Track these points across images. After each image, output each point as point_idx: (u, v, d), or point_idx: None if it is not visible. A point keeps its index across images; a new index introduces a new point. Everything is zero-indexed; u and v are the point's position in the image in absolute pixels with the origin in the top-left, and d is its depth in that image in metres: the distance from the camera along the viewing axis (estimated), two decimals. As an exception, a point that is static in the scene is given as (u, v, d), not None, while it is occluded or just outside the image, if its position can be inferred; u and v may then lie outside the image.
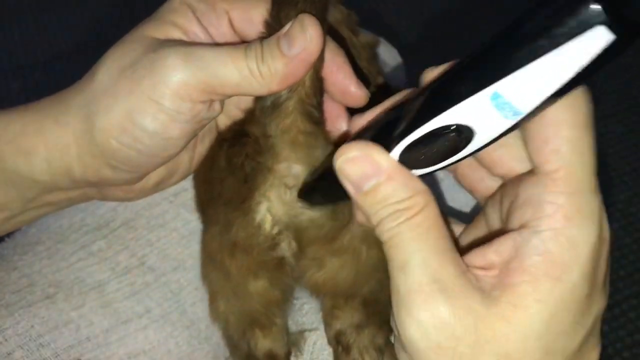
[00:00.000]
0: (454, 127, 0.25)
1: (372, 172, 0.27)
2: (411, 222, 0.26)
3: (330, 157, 0.29)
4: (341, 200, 0.30)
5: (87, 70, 0.36)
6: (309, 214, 0.35)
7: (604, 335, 0.28)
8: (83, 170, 0.35)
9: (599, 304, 0.27)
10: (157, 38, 0.34)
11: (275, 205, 0.35)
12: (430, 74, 0.28)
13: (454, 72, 0.25)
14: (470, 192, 0.33)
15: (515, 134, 0.28)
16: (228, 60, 0.32)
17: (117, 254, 0.44)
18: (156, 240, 0.45)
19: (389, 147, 0.27)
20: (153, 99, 0.32)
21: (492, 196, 0.31)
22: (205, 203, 0.39)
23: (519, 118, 0.24)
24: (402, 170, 0.27)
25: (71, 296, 0.41)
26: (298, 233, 0.35)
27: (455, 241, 0.30)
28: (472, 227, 0.32)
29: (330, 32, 0.35)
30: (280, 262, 0.36)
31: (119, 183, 0.37)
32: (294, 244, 0.36)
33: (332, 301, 0.38)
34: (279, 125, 0.33)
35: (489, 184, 0.31)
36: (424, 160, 0.27)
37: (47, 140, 0.35)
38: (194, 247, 0.45)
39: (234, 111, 0.39)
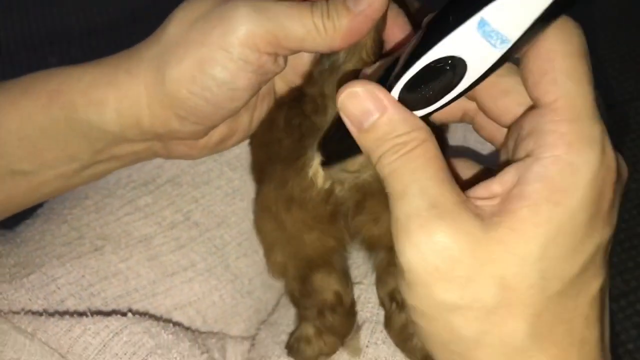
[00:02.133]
0: (447, 61, 0.25)
1: (372, 108, 0.27)
2: (410, 154, 0.26)
3: None
4: (353, 154, 0.31)
5: (122, 45, 0.37)
6: (363, 173, 0.35)
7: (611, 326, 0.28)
8: (152, 120, 0.36)
9: (602, 232, 0.26)
10: None
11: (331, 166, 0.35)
12: (428, 17, 0.28)
13: (444, 7, 0.26)
14: (490, 142, 0.33)
15: (515, 80, 0.29)
16: (295, 14, 0.32)
17: (163, 209, 0.45)
18: (201, 197, 0.46)
19: (389, 88, 0.27)
20: (223, 48, 0.33)
21: (503, 142, 0.31)
22: (264, 163, 0.40)
23: (507, 46, 0.24)
24: (401, 107, 0.27)
25: (119, 249, 0.43)
26: (352, 190, 0.36)
27: (459, 178, 0.31)
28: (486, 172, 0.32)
29: None
30: (335, 216, 0.37)
31: (185, 136, 0.38)
32: (347, 201, 0.36)
33: (387, 257, 0.38)
34: (336, 86, 0.34)
35: (505, 132, 0.31)
36: (422, 100, 0.27)
37: (119, 91, 0.36)
38: (238, 205, 0.46)
39: (292, 76, 0.39)
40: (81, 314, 0.38)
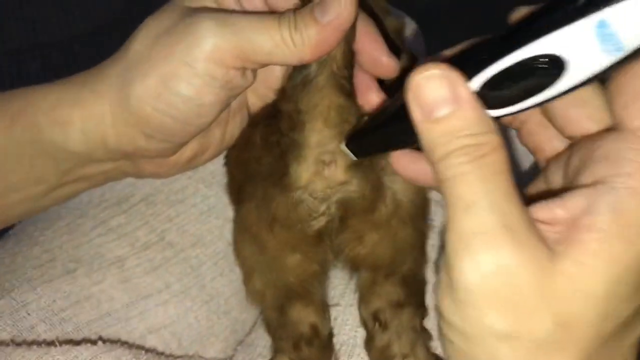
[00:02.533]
0: (546, 59, 0.23)
1: (449, 98, 0.24)
2: (482, 161, 0.24)
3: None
4: (389, 149, 0.30)
5: (105, 51, 0.36)
6: (347, 188, 0.35)
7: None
8: (118, 139, 0.35)
9: None
10: (192, 7, 0.34)
11: (314, 181, 0.35)
12: (522, 10, 0.26)
13: (553, 0, 0.23)
14: (534, 152, 0.31)
15: (595, 92, 0.26)
16: (261, 27, 0.32)
17: (136, 230, 0.44)
18: (175, 216, 0.45)
19: (469, 77, 0.24)
20: (187, 63, 0.32)
21: (557, 156, 0.29)
22: (243, 182, 0.39)
23: (619, 55, 0.22)
24: (479, 104, 0.24)
25: (91, 271, 0.42)
26: (337, 206, 0.35)
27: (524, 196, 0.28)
28: (529, 189, 0.30)
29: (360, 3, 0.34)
30: (319, 236, 0.36)
31: (153, 154, 0.37)
32: (333, 218, 0.35)
33: (372, 277, 0.37)
34: (310, 101, 0.33)
35: (556, 145, 0.29)
36: (502, 99, 0.25)
37: (83, 110, 0.35)
38: (213, 223, 0.45)
39: (264, 90, 0.39)
40: (50, 343, 0.37)
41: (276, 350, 0.38)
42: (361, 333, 0.39)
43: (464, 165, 0.24)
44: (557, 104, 0.28)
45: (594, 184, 0.24)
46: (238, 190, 0.40)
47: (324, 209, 0.35)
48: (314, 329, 0.37)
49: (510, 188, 0.24)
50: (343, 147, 0.33)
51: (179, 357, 0.42)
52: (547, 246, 0.24)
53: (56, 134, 0.36)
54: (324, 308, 0.39)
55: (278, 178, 0.35)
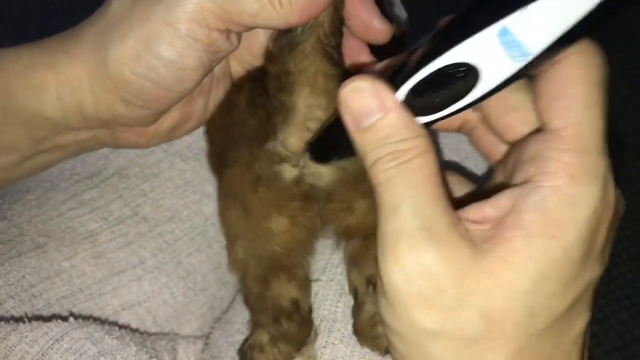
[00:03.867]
0: (460, 67, 0.24)
1: (375, 107, 0.25)
2: (408, 165, 0.25)
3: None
4: (349, 154, 0.30)
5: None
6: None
7: (593, 335, 0.27)
8: (95, 105, 0.34)
9: (593, 271, 0.26)
10: None
11: (298, 146, 0.34)
12: (445, 20, 0.26)
13: (463, 11, 0.24)
14: (485, 156, 0.32)
15: (525, 97, 0.27)
16: None
17: (109, 204, 0.42)
18: (150, 190, 0.43)
19: (395, 88, 0.26)
20: (169, 24, 0.31)
21: (500, 160, 0.30)
22: (225, 148, 0.37)
23: (526, 60, 0.23)
24: (405, 111, 0.26)
25: (62, 246, 0.40)
26: (323, 174, 0.34)
27: (451, 195, 0.30)
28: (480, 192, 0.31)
29: None
30: (306, 199, 0.35)
31: (132, 122, 0.35)
32: (319, 184, 0.34)
33: (364, 243, 0.37)
34: (297, 65, 0.32)
35: (502, 149, 0.30)
36: (428, 106, 0.26)
37: (58, 74, 0.33)
38: (190, 198, 0.44)
39: (247, 57, 0.38)
40: (18, 319, 0.36)
41: (255, 324, 0.38)
42: (341, 308, 0.39)
43: (391, 170, 0.25)
44: (492, 112, 0.29)
45: (522, 183, 0.25)
46: (220, 156, 0.39)
47: (307, 174, 0.34)
48: (295, 304, 0.36)
49: (435, 190, 0.25)
50: (307, 154, 0.33)
51: (153, 334, 0.41)
52: (471, 245, 0.25)
53: (29, 99, 0.34)
54: (306, 283, 0.38)
55: (263, 139, 0.34)
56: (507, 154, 0.29)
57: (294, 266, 0.37)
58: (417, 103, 0.26)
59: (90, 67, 0.33)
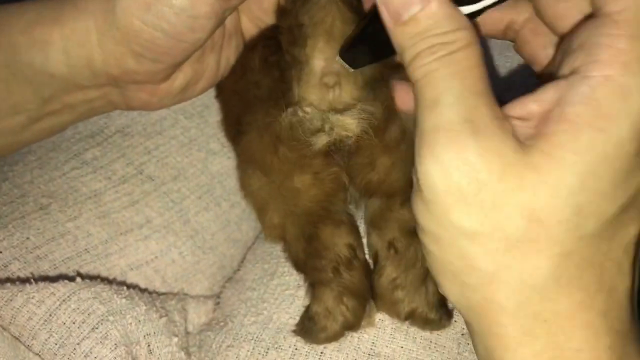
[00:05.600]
0: None
1: None
2: (451, 57, 0.23)
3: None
4: (378, 58, 0.29)
5: None
6: (358, 107, 0.32)
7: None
8: (104, 59, 0.33)
9: None
10: None
11: (317, 103, 0.32)
12: None
13: None
14: (530, 61, 0.30)
15: None
16: None
17: (112, 162, 0.41)
18: (154, 148, 0.42)
19: None
20: None
21: (549, 63, 0.28)
22: (240, 113, 0.36)
23: None
24: (448, 1, 0.23)
25: (66, 207, 0.39)
26: (343, 127, 0.33)
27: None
28: None
29: None
30: (328, 155, 0.33)
31: (143, 78, 0.34)
32: (343, 135, 0.33)
33: (386, 204, 0.35)
34: (312, 18, 0.31)
35: (550, 52, 0.28)
36: None
37: (65, 28, 0.32)
38: (195, 156, 0.43)
39: (258, 12, 0.36)
40: (24, 280, 0.35)
41: (313, 285, 0.35)
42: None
43: (431, 64, 0.23)
44: (545, 1, 0.27)
45: (569, 74, 0.23)
46: (235, 123, 0.37)
47: (328, 128, 0.32)
48: (352, 248, 0.34)
49: (479, 83, 0.23)
50: (338, 58, 0.31)
51: (162, 294, 0.40)
52: (515, 141, 0.23)
53: (35, 55, 0.33)
54: (355, 228, 0.36)
55: (279, 98, 0.32)
56: (557, 49, 0.27)
57: (335, 213, 0.35)
58: None
59: (98, 18, 0.32)
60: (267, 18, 0.36)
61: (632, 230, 0.24)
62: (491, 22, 0.30)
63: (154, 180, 0.41)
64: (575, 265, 0.23)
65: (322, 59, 0.31)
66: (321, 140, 0.32)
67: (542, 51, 0.29)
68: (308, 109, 0.32)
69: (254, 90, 0.34)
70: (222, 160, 0.43)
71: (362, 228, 0.37)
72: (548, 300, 0.23)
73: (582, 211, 0.22)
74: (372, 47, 0.29)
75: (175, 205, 0.41)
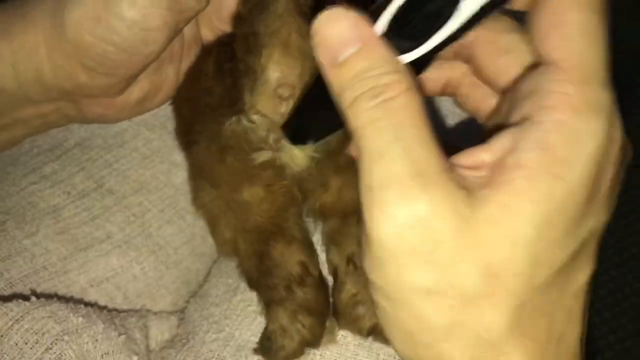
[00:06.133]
0: None
1: (352, 38, 0.22)
2: (392, 103, 0.22)
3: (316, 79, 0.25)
4: (332, 130, 0.27)
5: None
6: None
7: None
8: (55, 74, 0.32)
9: (599, 217, 0.23)
10: None
11: (269, 114, 0.31)
12: None
13: None
14: (474, 114, 0.30)
15: (518, 38, 0.25)
16: None
17: (72, 177, 0.40)
18: (115, 161, 0.41)
19: (372, 21, 0.23)
20: None
21: (493, 110, 0.28)
22: (192, 121, 0.35)
23: None
24: (384, 44, 0.23)
25: (23, 223, 0.38)
26: (291, 158, 0.32)
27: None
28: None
29: None
30: (276, 166, 0.32)
31: (97, 92, 0.33)
32: (294, 167, 0.32)
33: (342, 221, 0.34)
34: (268, 26, 0.30)
35: (492, 103, 0.28)
36: (408, 40, 0.23)
37: (13, 42, 0.31)
38: (157, 168, 0.42)
39: (217, 23, 0.35)
40: (-24, 300, 0.34)
41: (267, 304, 0.34)
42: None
43: (372, 110, 0.22)
44: (483, 57, 0.27)
45: (520, 122, 0.22)
46: (187, 132, 0.36)
47: (279, 142, 0.31)
48: (304, 266, 0.33)
49: (424, 132, 0.22)
50: (291, 143, 0.30)
51: (124, 311, 0.39)
52: (468, 193, 0.22)
53: None
54: (307, 244, 0.35)
55: (229, 105, 0.31)
56: (501, 100, 0.26)
57: (287, 229, 0.34)
58: (396, 39, 0.23)
59: (47, 31, 0.31)
60: (227, 28, 0.35)
61: (581, 277, 0.24)
62: (429, 81, 0.29)
63: (114, 194, 0.40)
64: (528, 316, 0.22)
65: (277, 70, 0.31)
66: (263, 157, 0.31)
67: (484, 102, 0.28)
68: (255, 117, 0.31)
69: (205, 97, 0.33)
70: (185, 173, 0.42)
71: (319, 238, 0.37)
72: (501, 353, 0.22)
73: (537, 261, 0.22)
74: (318, 122, 0.28)
75: (137, 220, 0.40)
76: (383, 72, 0.22)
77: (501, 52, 0.26)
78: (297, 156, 0.31)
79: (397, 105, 0.22)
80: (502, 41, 0.26)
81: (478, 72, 0.28)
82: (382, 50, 0.22)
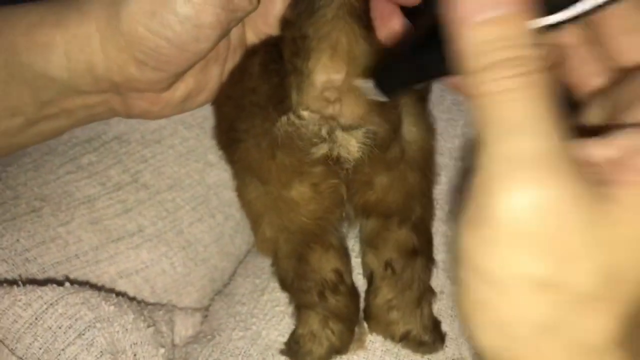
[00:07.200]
0: None
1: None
2: (533, 77, 0.20)
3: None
4: (420, 80, 0.27)
5: None
6: (358, 132, 0.32)
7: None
8: (106, 65, 0.32)
9: None
10: None
11: (317, 111, 0.32)
12: None
13: None
14: (574, 87, 0.28)
15: None
16: None
17: (108, 169, 0.41)
18: (151, 157, 0.42)
19: None
20: None
21: (598, 92, 0.26)
22: (235, 119, 0.35)
23: None
24: (532, 13, 0.21)
25: (58, 211, 0.39)
26: (346, 147, 0.32)
27: None
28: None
29: None
30: (327, 165, 0.32)
31: (145, 86, 0.34)
32: (340, 155, 0.32)
33: (383, 224, 0.34)
34: (317, 31, 0.31)
35: (597, 82, 0.27)
36: (551, 4, 0.21)
37: (68, 31, 0.32)
38: (192, 166, 0.43)
39: (263, 26, 0.36)
40: (12, 282, 0.34)
41: (299, 307, 0.35)
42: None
43: (509, 80, 0.20)
44: (610, 30, 0.25)
45: None
46: (229, 131, 0.37)
47: (327, 136, 0.32)
48: (338, 274, 0.34)
49: (557, 116, 0.20)
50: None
51: (150, 304, 0.39)
52: (594, 187, 0.21)
53: (35, 57, 0.32)
54: (344, 252, 0.35)
55: (278, 102, 0.32)
56: (612, 84, 0.25)
57: (327, 235, 0.34)
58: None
59: (101, 23, 0.32)
60: (272, 32, 0.36)
61: None
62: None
63: (148, 188, 0.41)
64: (633, 329, 0.21)
65: (324, 73, 0.31)
66: (321, 150, 0.32)
67: (589, 79, 0.27)
68: (305, 113, 0.31)
69: (250, 96, 0.34)
70: (219, 172, 0.43)
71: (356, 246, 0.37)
72: None
73: None
74: (411, 71, 0.26)
75: (169, 215, 0.41)
76: (528, 43, 0.20)
77: (629, 29, 0.25)
78: (351, 144, 0.32)
79: (537, 80, 0.20)
80: (633, 18, 0.24)
81: (596, 44, 0.26)
82: (529, 21, 0.20)
